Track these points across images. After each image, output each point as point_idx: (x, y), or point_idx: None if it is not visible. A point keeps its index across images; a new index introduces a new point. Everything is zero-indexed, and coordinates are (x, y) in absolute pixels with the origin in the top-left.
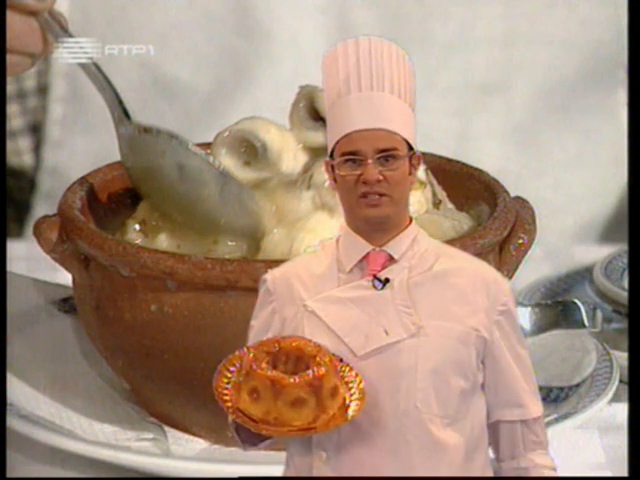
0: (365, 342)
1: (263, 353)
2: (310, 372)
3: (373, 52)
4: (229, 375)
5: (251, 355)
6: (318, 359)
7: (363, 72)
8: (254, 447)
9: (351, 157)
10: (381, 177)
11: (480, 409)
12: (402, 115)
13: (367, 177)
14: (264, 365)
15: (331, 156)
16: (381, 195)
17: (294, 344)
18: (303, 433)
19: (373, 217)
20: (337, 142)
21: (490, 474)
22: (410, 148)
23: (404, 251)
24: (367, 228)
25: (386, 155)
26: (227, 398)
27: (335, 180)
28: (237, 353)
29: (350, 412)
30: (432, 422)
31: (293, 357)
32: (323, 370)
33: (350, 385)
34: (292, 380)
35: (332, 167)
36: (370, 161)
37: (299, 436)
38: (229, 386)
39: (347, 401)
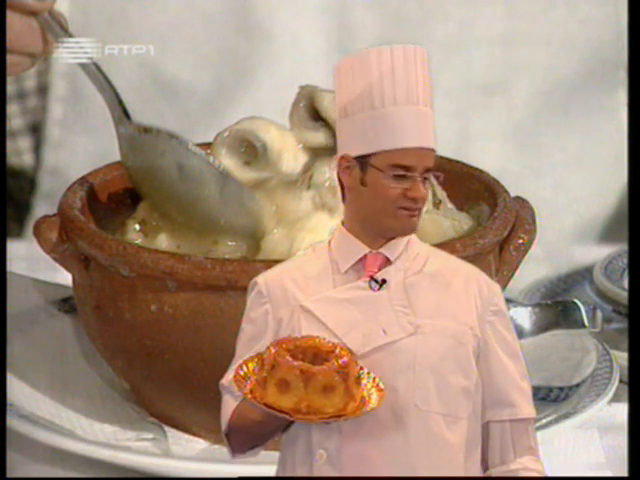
0: (364, 341)
1: (283, 350)
2: (335, 361)
3: (419, 63)
4: (248, 371)
5: (273, 351)
6: (337, 352)
7: (416, 85)
8: (244, 455)
9: (399, 173)
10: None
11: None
12: (432, 128)
13: (417, 195)
14: (288, 357)
15: (361, 158)
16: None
17: (310, 342)
18: (335, 420)
19: (410, 227)
20: (388, 151)
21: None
22: None
23: (399, 253)
24: (393, 235)
25: (426, 176)
26: (247, 391)
27: (362, 182)
28: (254, 355)
29: (373, 400)
30: (433, 420)
31: (310, 355)
32: (346, 359)
33: (362, 378)
34: (321, 367)
35: (359, 166)
36: (420, 179)
37: (330, 422)
38: (248, 382)
39: (366, 392)
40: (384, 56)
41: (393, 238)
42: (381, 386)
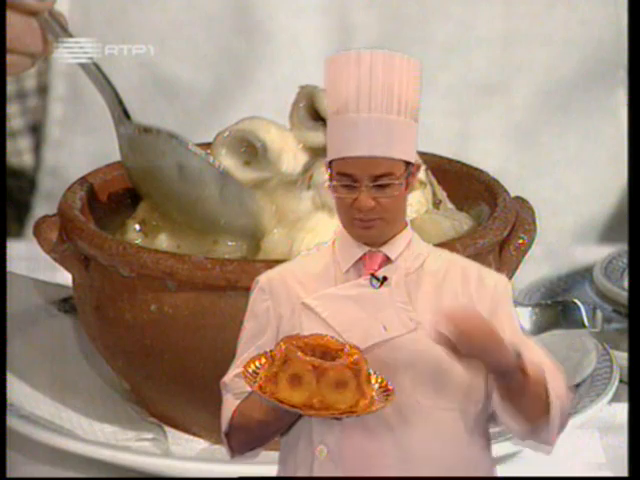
0: (364, 338)
1: (293, 346)
2: (347, 357)
3: (373, 70)
4: (256, 367)
5: (283, 347)
6: (347, 350)
7: (373, 92)
8: (242, 456)
9: (346, 182)
10: (374, 204)
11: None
12: (403, 135)
13: (360, 205)
14: (300, 353)
15: (330, 163)
16: (373, 219)
17: (319, 340)
18: (347, 415)
19: (365, 237)
20: (333, 160)
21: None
22: (408, 163)
23: (400, 252)
24: (361, 242)
25: (380, 184)
26: (257, 387)
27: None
28: (262, 352)
29: (381, 399)
30: (434, 415)
31: (318, 352)
32: (357, 356)
33: (372, 377)
34: (334, 363)
35: (330, 174)
36: (364, 188)
37: (342, 418)
38: (257, 378)
39: (375, 392)
40: (360, 60)
41: (392, 237)
42: (390, 386)
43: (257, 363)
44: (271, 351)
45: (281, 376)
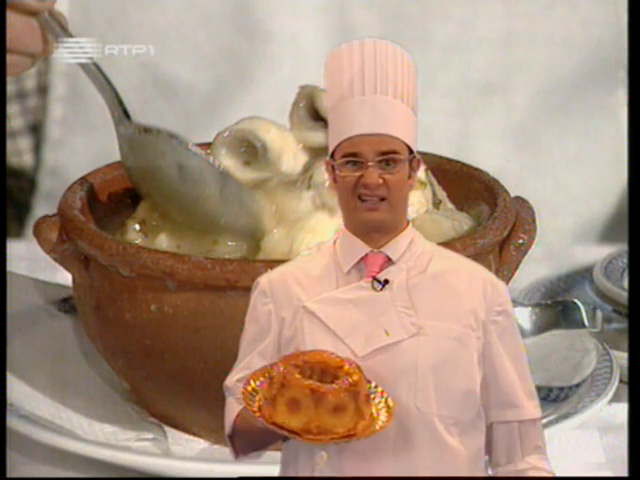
0: (366, 342)
1: (291, 366)
2: (345, 379)
3: (378, 55)
4: (255, 386)
5: (282, 368)
6: (346, 368)
7: (367, 76)
8: (247, 458)
9: (352, 159)
10: (381, 180)
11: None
12: (404, 119)
13: (367, 180)
14: (298, 376)
15: (332, 157)
16: (380, 199)
17: (318, 357)
18: (345, 440)
19: (371, 221)
20: (339, 144)
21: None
22: (410, 152)
23: (402, 253)
24: (365, 230)
25: (387, 159)
26: (255, 409)
27: (335, 181)
28: (261, 368)
29: (382, 418)
30: (433, 422)
31: (318, 370)
32: (356, 377)
33: (375, 396)
34: (332, 387)
35: (332, 168)
36: (371, 164)
37: (340, 442)
38: (256, 398)
39: (374, 408)
40: (344, 52)
41: (394, 237)
42: (390, 403)
43: (257, 382)
44: (270, 368)
45: (279, 400)
